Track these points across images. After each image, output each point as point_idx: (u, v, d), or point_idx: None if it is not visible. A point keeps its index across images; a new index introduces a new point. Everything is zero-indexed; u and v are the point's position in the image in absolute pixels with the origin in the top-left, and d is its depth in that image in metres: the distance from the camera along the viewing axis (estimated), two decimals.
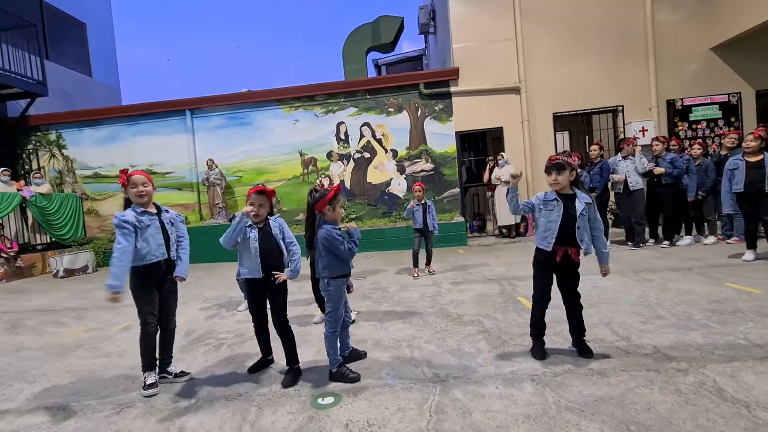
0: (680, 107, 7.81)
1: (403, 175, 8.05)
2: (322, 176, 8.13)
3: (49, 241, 7.81)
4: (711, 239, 6.03)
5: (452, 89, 7.95)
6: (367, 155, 8.14)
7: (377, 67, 13.78)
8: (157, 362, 2.57)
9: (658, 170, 6.02)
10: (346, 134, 8.14)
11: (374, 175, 8.16)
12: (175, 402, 2.33)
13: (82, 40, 10.60)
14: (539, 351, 2.58)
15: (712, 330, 2.81)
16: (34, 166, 8.42)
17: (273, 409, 2.16)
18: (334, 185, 2.54)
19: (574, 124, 9.16)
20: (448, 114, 7.98)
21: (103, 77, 11.04)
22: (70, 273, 7.03)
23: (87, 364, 3.00)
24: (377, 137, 8.10)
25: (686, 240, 6.08)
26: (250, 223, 2.50)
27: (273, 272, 2.46)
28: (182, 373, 2.64)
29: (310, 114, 8.17)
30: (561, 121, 8.40)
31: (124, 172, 2.53)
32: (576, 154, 6.50)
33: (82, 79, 10.28)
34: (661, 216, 6.19)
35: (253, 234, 2.49)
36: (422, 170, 8.07)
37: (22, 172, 8.27)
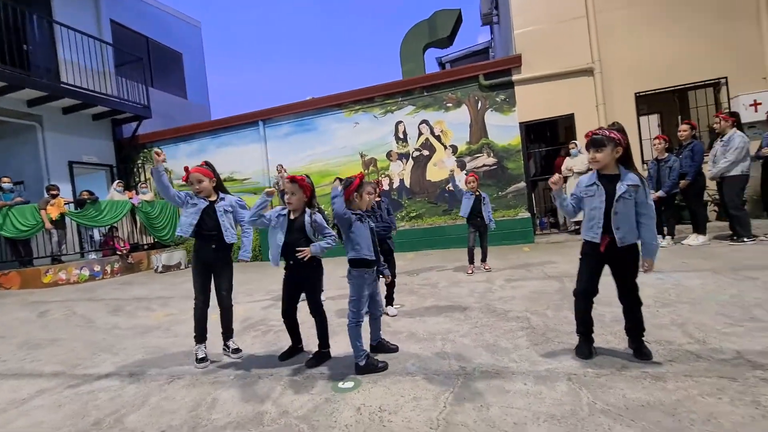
0: None
1: (464, 171, 7.80)
2: (382, 176, 8.25)
3: (153, 241, 9.09)
4: None
5: (514, 78, 7.51)
6: (426, 153, 8.06)
7: (441, 64, 13.58)
8: (206, 336, 2.85)
9: None
10: (405, 133, 8.15)
11: (434, 173, 8.04)
12: (217, 377, 2.54)
13: (179, 68, 12.21)
14: (584, 349, 2.29)
15: None
16: (142, 178, 9.88)
17: (296, 389, 2.24)
18: (358, 174, 2.53)
19: (666, 104, 8.04)
20: (510, 104, 7.55)
21: (196, 98, 12.57)
22: (167, 268, 8.10)
23: (159, 341, 3.42)
24: (436, 134, 7.98)
25: None
26: (285, 211, 2.63)
27: (297, 249, 2.51)
28: (237, 350, 2.89)
29: (369, 116, 8.35)
30: (647, 102, 7.42)
31: (186, 170, 2.86)
32: (662, 137, 5.68)
33: (179, 101, 11.83)
34: None
35: (284, 225, 2.61)
36: (484, 165, 7.73)
37: (133, 183, 9.76)
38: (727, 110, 5.90)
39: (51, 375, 2.83)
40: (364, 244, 2.41)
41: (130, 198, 8.52)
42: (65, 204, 7.45)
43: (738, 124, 5.25)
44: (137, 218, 8.74)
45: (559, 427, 1.64)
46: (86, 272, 7.50)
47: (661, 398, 1.78)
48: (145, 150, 9.99)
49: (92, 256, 8.17)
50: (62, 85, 8.30)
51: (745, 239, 5.03)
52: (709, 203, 6.33)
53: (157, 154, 2.69)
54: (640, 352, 2.21)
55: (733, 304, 2.92)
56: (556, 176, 2.31)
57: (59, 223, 7.41)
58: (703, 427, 1.54)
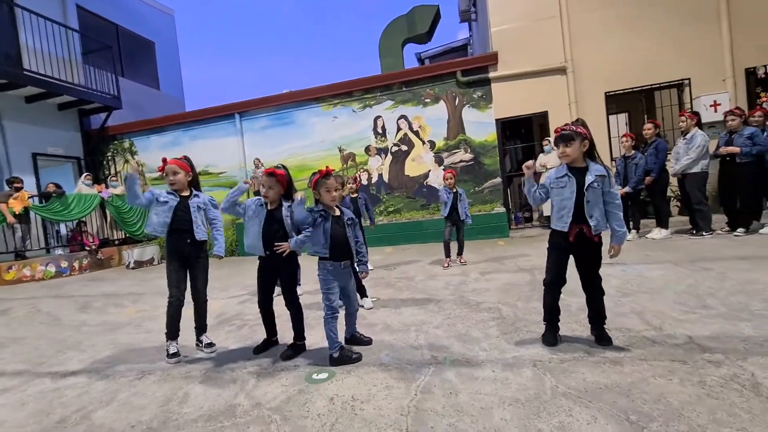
0: (763, 75, 6.75)
1: (441, 167, 7.89)
2: (361, 171, 8.25)
3: (124, 236, 8.81)
4: None
5: (491, 75, 7.63)
6: (404, 148, 8.11)
7: (421, 60, 13.61)
8: (179, 333, 2.82)
9: (730, 149, 5.27)
10: (383, 128, 8.17)
11: (412, 168, 8.10)
12: (189, 371, 2.51)
13: (152, 57, 11.80)
14: (550, 337, 2.40)
15: None
16: (112, 171, 9.54)
17: (269, 382, 2.25)
18: (320, 171, 2.51)
19: (633, 103, 8.35)
20: (487, 101, 7.67)
21: (169, 89, 12.19)
22: (139, 264, 7.88)
23: (130, 338, 3.35)
24: (414, 129, 8.03)
25: None
26: (263, 203, 2.63)
27: (275, 243, 2.54)
28: (210, 345, 2.86)
29: (348, 110, 8.32)
30: (617, 102, 7.69)
31: (164, 161, 2.82)
32: (629, 135, 5.92)
33: (152, 92, 11.44)
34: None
35: (262, 214, 2.60)
36: (461, 160, 7.84)
37: (103, 176, 9.40)
38: (690, 110, 6.20)
39: (14, 374, 2.73)
40: (317, 242, 2.44)
41: (100, 192, 8.22)
42: (29, 198, 7.13)
43: (699, 123, 5.53)
44: (107, 212, 8.46)
45: (523, 409, 1.72)
46: (52, 268, 7.21)
47: (617, 381, 1.88)
48: (115, 142, 9.63)
49: (59, 251, 7.85)
50: (25, 72, 7.88)
51: (704, 233, 5.31)
52: (672, 199, 6.64)
53: (137, 163, 2.69)
54: (601, 338, 2.33)
55: (689, 293, 3.10)
56: (531, 162, 2.41)
57: (23, 218, 7.08)
58: (653, 406, 1.65)
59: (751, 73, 6.80)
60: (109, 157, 9.66)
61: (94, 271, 7.80)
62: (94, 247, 7.94)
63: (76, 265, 7.56)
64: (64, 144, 9.14)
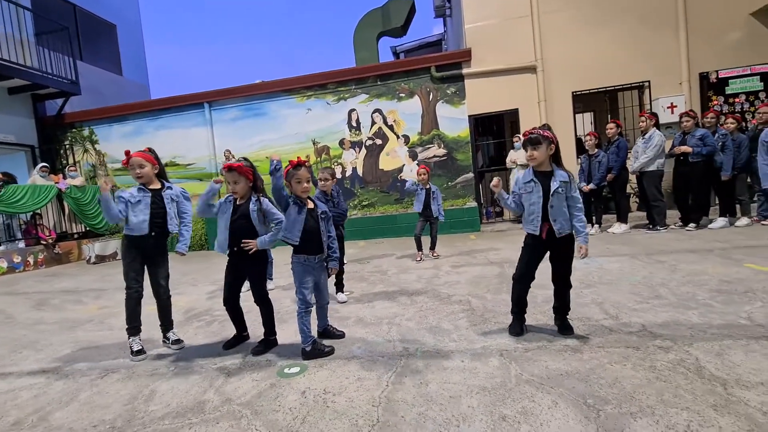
0: (715, 80, 7.19)
1: (415, 161, 7.96)
2: (335, 164, 8.20)
3: (84, 230, 8.38)
4: (744, 221, 5.55)
5: (465, 71, 7.73)
6: (378, 142, 8.11)
7: (396, 54, 13.61)
8: (141, 328, 2.74)
9: (683, 149, 5.60)
10: (358, 121, 8.13)
11: (386, 162, 8.12)
12: (155, 368, 2.45)
13: (113, 41, 11.18)
14: (517, 328, 2.49)
15: (713, 309, 2.61)
16: (71, 161, 9.02)
17: (240, 377, 2.23)
18: (291, 161, 2.47)
19: (599, 103, 8.70)
20: (460, 97, 7.78)
21: (133, 75, 11.61)
22: (101, 259, 7.53)
23: (90, 335, 3.22)
24: (389, 123, 8.04)
25: (719, 222, 5.62)
26: (231, 198, 2.57)
27: (243, 240, 2.49)
28: (178, 341, 2.79)
29: (322, 102, 8.22)
30: (583, 101, 7.98)
31: (127, 154, 2.69)
32: (593, 134, 6.18)
33: (114, 78, 10.86)
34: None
35: (229, 211, 2.55)
36: (434, 156, 7.94)
37: (60, 167, 8.88)
38: (649, 111, 6.53)
39: None
40: (291, 229, 2.41)
41: (57, 183, 7.76)
42: None
43: (657, 124, 5.84)
44: (65, 204, 8.01)
45: (489, 397, 1.79)
46: (4, 264, 6.77)
47: (577, 367, 1.99)
48: (74, 130, 9.10)
49: (11, 245, 7.37)
50: None
51: (659, 228, 5.65)
52: (631, 195, 7.00)
53: (105, 183, 2.54)
54: (563, 328, 2.45)
55: (644, 284, 3.30)
56: (496, 179, 2.46)
57: None
58: (609, 390, 1.76)
59: (704, 77, 7.23)
60: (67, 146, 9.13)
61: (51, 267, 7.39)
62: (50, 240, 7.51)
63: (30, 260, 7.14)
64: (16, 131, 8.55)
